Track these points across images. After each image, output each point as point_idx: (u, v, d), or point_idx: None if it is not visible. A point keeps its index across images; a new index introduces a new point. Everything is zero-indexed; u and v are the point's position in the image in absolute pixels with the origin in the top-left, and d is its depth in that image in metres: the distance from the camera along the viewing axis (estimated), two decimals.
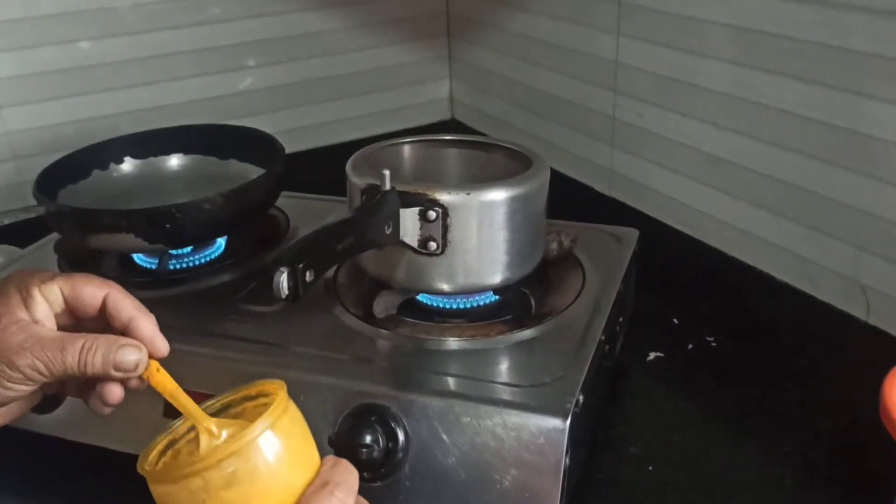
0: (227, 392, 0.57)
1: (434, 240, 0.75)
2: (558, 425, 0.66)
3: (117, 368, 0.51)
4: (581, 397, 0.69)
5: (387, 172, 0.73)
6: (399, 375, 0.73)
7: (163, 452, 0.53)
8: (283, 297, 0.61)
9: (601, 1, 1.05)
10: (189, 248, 0.93)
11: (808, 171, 0.84)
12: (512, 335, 0.78)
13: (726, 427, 0.85)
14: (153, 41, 1.19)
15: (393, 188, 0.73)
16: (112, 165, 1.05)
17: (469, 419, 0.69)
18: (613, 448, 0.82)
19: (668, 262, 1.01)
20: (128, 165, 1.06)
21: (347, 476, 0.51)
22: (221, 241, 0.97)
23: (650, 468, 0.79)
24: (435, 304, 0.83)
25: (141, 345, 0.52)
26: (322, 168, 1.37)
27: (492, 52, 1.30)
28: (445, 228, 0.75)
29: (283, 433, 0.51)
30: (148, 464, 0.52)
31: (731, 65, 0.89)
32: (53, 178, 0.97)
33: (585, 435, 0.74)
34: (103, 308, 0.53)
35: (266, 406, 0.52)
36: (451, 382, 0.72)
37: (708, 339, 1.01)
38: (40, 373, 0.50)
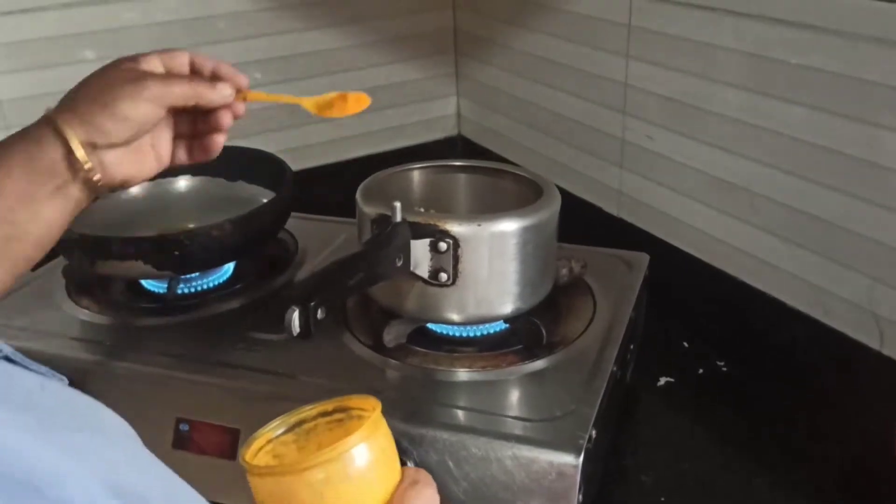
0: (303, 407, 0.60)
1: (445, 271, 0.75)
2: (571, 461, 0.66)
3: (218, 94, 0.65)
4: (593, 432, 0.69)
5: (397, 204, 0.72)
6: (409, 408, 0.72)
7: (258, 452, 0.57)
8: (295, 335, 0.61)
9: (610, 23, 1.04)
10: (197, 273, 0.93)
11: (821, 200, 0.83)
12: (523, 366, 0.77)
13: (737, 455, 0.84)
14: None
15: (404, 220, 0.73)
16: None
17: (480, 453, 0.68)
18: (625, 478, 0.81)
19: (677, 285, 1.01)
20: (136, 187, 1.05)
21: (429, 477, 0.58)
22: (230, 266, 0.97)
23: (662, 499, 0.79)
24: (445, 333, 0.82)
25: (229, 82, 0.66)
26: (330, 185, 1.38)
27: (499, 70, 1.30)
28: (456, 259, 0.74)
29: (387, 433, 0.57)
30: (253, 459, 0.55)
31: (743, 91, 0.89)
32: None
33: (597, 467, 0.74)
34: (192, 68, 0.66)
35: (342, 421, 0.58)
36: (461, 416, 0.72)
37: (718, 363, 1.00)
38: (161, 98, 0.61)
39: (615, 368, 0.77)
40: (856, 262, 0.82)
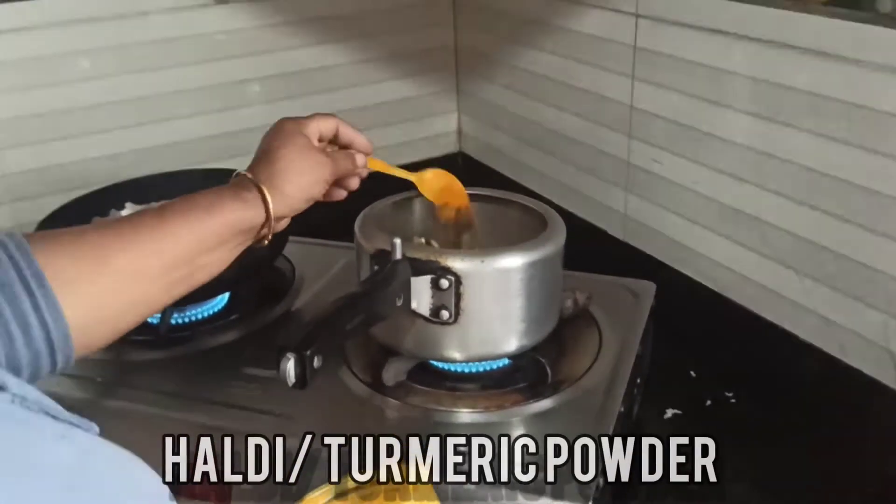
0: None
1: (447, 308, 0.72)
2: None
3: (357, 167, 0.77)
4: (601, 481, 0.66)
5: (397, 241, 0.70)
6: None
7: None
8: (291, 384, 0.58)
9: (615, 43, 1.02)
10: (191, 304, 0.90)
11: (834, 232, 0.81)
12: (527, 406, 0.75)
13: (747, 495, 0.82)
14: (155, 79, 1.16)
15: (404, 257, 0.70)
16: (113, 212, 1.02)
17: (484, 501, 0.66)
18: None
19: (684, 312, 0.98)
20: (129, 212, 1.03)
21: None
22: (224, 295, 0.94)
23: None
24: (447, 368, 0.80)
25: (362, 153, 0.78)
26: (326, 203, 1.35)
27: (501, 88, 1.28)
28: (458, 297, 0.72)
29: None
30: None
31: (751, 117, 0.86)
32: (53, 228, 0.94)
33: None
34: (335, 133, 0.76)
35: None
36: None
37: (727, 394, 0.98)
38: (331, 178, 0.73)
39: (622, 409, 0.75)
40: (871, 297, 0.79)
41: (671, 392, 0.98)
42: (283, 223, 0.71)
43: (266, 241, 0.69)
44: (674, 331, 0.95)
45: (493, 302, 0.73)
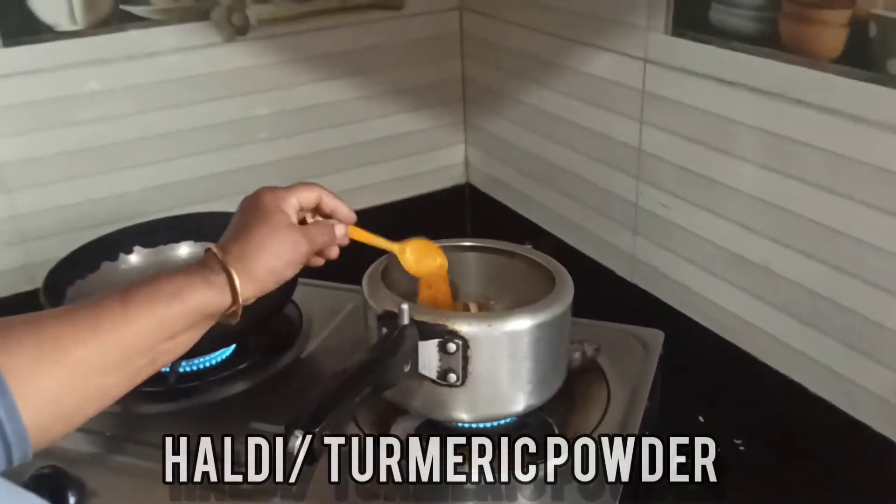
0: None
1: (454, 371, 0.72)
2: None
3: (336, 239, 0.74)
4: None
5: (405, 307, 0.70)
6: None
7: None
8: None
9: (623, 86, 1.01)
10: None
11: (842, 287, 0.80)
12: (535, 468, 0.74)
13: None
14: (164, 119, 1.16)
15: (412, 321, 0.70)
16: (121, 256, 1.02)
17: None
18: None
19: (692, 355, 0.98)
20: (137, 255, 1.03)
21: None
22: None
23: None
24: (455, 424, 0.80)
25: (342, 223, 0.75)
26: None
27: (509, 123, 1.27)
28: (466, 360, 0.72)
29: None
30: None
31: (760, 168, 0.86)
32: (61, 275, 0.95)
33: None
34: (317, 204, 0.73)
35: None
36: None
37: (735, 441, 0.97)
38: (307, 255, 0.70)
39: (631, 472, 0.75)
40: (881, 354, 0.79)
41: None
42: (252, 299, 0.67)
43: (234, 321, 0.66)
44: (682, 375, 0.95)
45: (501, 365, 0.73)
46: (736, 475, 0.92)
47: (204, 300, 0.62)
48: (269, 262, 0.66)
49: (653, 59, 0.96)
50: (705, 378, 0.99)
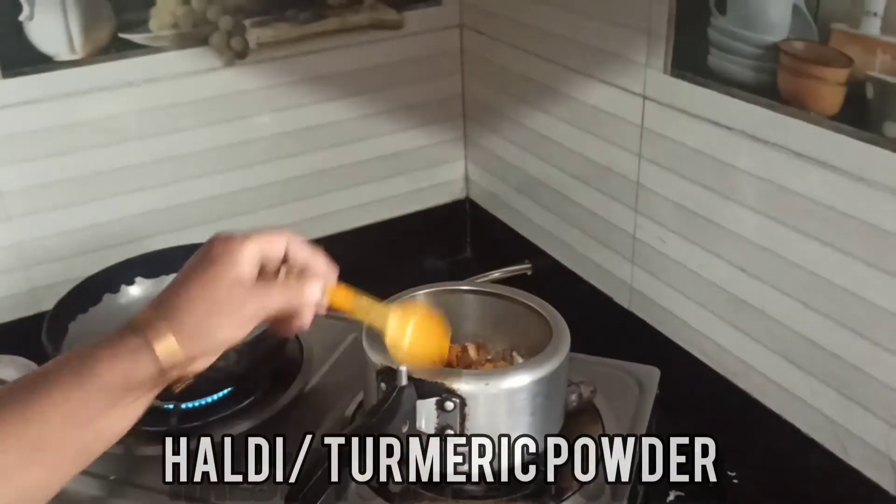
0: None
1: (451, 428, 0.73)
2: None
3: (307, 300, 0.61)
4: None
5: (403, 369, 0.71)
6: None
7: None
8: None
9: (622, 120, 1.01)
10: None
11: (837, 338, 0.81)
12: None
13: None
14: (165, 143, 1.17)
15: (410, 382, 0.71)
16: (123, 288, 1.03)
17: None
18: None
19: (688, 388, 0.98)
20: (138, 287, 1.04)
21: None
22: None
23: None
24: None
25: (320, 281, 0.62)
26: (335, 255, 1.36)
27: (508, 143, 1.27)
28: (463, 417, 0.73)
29: None
30: None
31: (759, 215, 0.86)
32: (64, 312, 0.96)
33: None
34: (285, 255, 0.62)
35: None
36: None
37: (730, 474, 0.99)
38: (257, 316, 0.59)
39: None
40: (872, 404, 0.80)
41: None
42: (204, 363, 0.59)
43: (178, 390, 0.59)
44: (677, 405, 0.96)
45: (499, 421, 0.75)
46: None
47: (119, 372, 0.54)
48: (204, 323, 0.56)
49: (651, 96, 0.96)
50: (700, 410, 1.01)
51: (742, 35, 0.82)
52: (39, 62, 1.05)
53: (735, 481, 0.98)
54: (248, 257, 0.59)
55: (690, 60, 0.89)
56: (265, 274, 0.61)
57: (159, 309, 0.57)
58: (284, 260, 0.62)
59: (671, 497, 0.96)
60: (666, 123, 0.95)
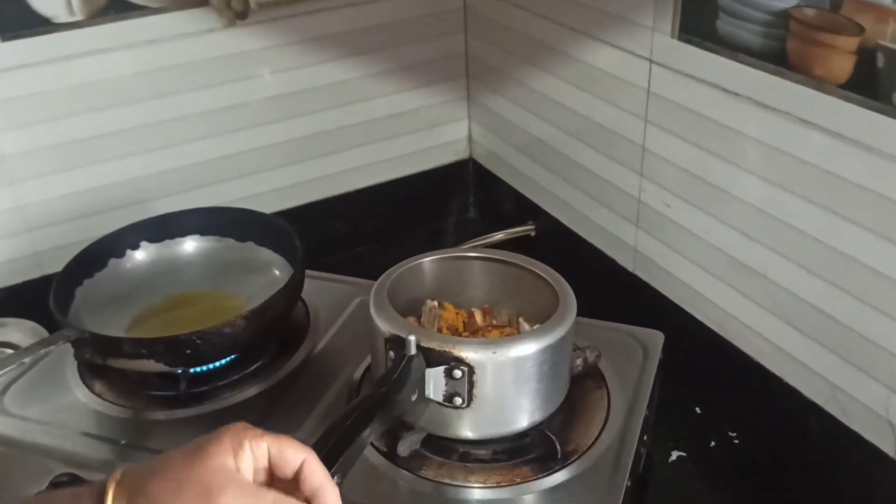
0: None
1: (460, 395, 0.74)
2: None
3: None
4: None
5: (412, 338, 0.71)
6: None
7: None
8: None
9: (628, 84, 1.01)
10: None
11: (839, 304, 0.82)
12: (537, 482, 0.77)
13: None
14: (168, 105, 1.16)
15: (419, 351, 0.72)
16: (128, 252, 1.03)
17: None
18: None
19: (690, 351, 1.00)
20: (143, 251, 1.04)
21: None
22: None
23: None
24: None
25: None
26: (339, 216, 1.36)
27: (512, 104, 1.27)
28: (471, 385, 0.74)
29: None
30: None
31: (763, 181, 0.86)
32: (70, 278, 0.96)
33: None
34: (298, 471, 0.55)
35: None
36: None
37: (730, 434, 1.00)
38: None
39: (629, 483, 0.78)
40: (874, 370, 0.81)
41: (676, 432, 1.01)
42: None
43: None
44: (680, 368, 0.97)
45: (506, 388, 0.75)
46: (730, 473, 0.96)
47: None
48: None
49: (658, 60, 0.95)
50: (703, 371, 1.02)
51: (752, 0, 0.81)
52: (38, 25, 1.04)
53: (736, 442, 1.00)
54: (254, 451, 0.54)
55: (698, 25, 0.88)
56: (275, 480, 0.56)
57: (131, 486, 0.52)
58: (295, 477, 0.55)
59: (673, 457, 0.98)
60: (673, 88, 0.95)
